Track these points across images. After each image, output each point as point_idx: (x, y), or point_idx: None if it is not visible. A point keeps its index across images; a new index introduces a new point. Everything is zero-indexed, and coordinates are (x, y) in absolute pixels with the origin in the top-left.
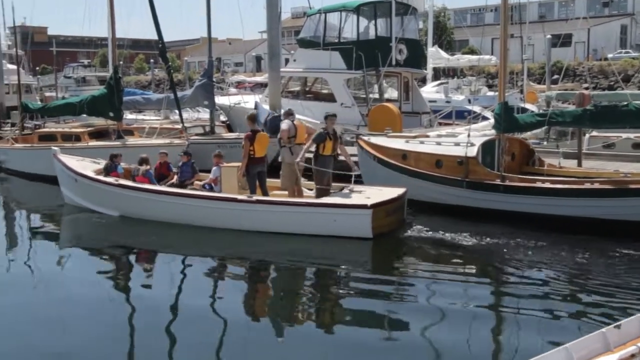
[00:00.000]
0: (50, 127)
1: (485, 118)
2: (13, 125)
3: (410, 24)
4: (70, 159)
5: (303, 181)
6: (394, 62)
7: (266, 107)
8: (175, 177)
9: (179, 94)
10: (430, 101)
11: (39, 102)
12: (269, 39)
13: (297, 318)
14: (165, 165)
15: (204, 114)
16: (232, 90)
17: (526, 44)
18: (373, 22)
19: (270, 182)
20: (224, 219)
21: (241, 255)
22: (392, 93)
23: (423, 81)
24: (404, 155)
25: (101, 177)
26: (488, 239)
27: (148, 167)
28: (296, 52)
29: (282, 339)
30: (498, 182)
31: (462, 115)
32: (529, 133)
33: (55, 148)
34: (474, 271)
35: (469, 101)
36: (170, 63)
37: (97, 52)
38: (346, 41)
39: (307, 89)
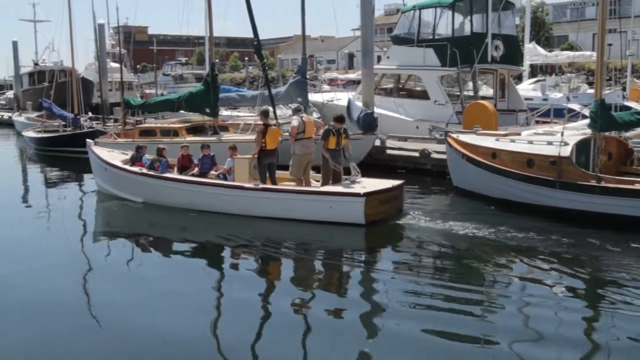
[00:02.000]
0: (150, 122)
1: (585, 117)
2: (116, 120)
3: (507, 20)
4: (102, 150)
5: (312, 173)
6: (489, 59)
7: (359, 104)
8: (197, 168)
9: (273, 91)
10: (526, 99)
11: (140, 99)
12: (362, 36)
13: (296, 300)
14: (187, 158)
15: None
16: (325, 87)
17: (630, 39)
18: (469, 18)
19: (282, 173)
20: (233, 205)
21: (246, 238)
22: (486, 90)
23: (519, 78)
24: (494, 153)
25: (127, 167)
26: (480, 229)
27: (163, 158)
28: (390, 49)
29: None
30: (593, 183)
31: (560, 114)
32: (632, 132)
33: (90, 140)
34: (459, 262)
35: (568, 99)
36: (265, 60)
37: (194, 50)
38: (441, 38)
39: (401, 86)
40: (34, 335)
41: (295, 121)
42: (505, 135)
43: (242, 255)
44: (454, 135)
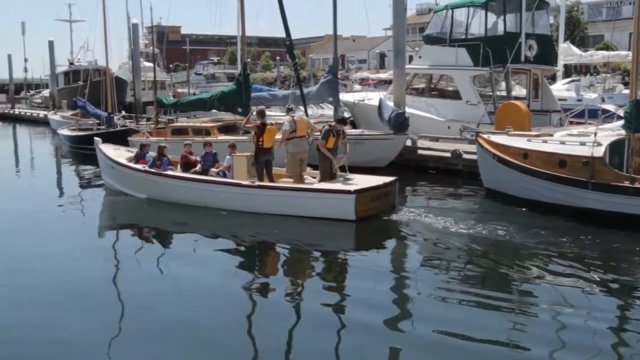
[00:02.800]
0: (182, 121)
1: (620, 117)
2: (148, 119)
3: (541, 19)
4: (109, 148)
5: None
6: (523, 59)
7: (390, 104)
8: (199, 165)
9: (304, 90)
10: (560, 99)
11: (172, 98)
12: (394, 35)
13: (291, 291)
14: (189, 156)
15: (328, 110)
16: (356, 87)
17: None
18: (502, 17)
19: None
20: (231, 201)
21: (243, 234)
22: (519, 91)
23: (553, 78)
24: (525, 154)
25: (131, 164)
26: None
27: (164, 156)
28: (421, 49)
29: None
30: (626, 184)
31: (594, 115)
32: None
33: (98, 139)
34: (484, 264)
35: (602, 99)
36: (297, 60)
37: (226, 49)
38: (473, 37)
39: (432, 86)
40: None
41: (286, 123)
42: (537, 135)
43: (238, 248)
44: (485, 136)
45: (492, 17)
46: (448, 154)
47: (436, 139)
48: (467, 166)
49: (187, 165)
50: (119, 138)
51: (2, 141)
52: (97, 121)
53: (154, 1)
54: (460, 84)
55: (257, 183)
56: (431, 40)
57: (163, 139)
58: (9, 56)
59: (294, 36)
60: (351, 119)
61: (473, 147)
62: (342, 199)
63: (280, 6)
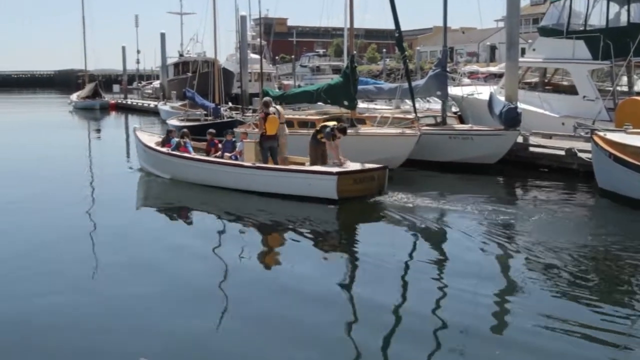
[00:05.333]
0: (288, 114)
1: None
2: (254, 111)
3: None
4: (143, 133)
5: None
6: None
7: (501, 98)
8: (219, 151)
9: (412, 83)
10: None
11: (278, 90)
12: (507, 27)
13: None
14: (213, 142)
15: (434, 105)
16: (465, 80)
17: None
18: (625, 7)
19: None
20: (235, 181)
21: (243, 211)
22: None
23: None
24: None
25: (157, 147)
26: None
27: (186, 139)
28: (536, 41)
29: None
30: None
31: None
32: None
33: (136, 125)
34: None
35: None
36: (406, 52)
37: (331, 42)
38: (593, 29)
39: (546, 80)
40: None
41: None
42: None
43: (241, 226)
44: (601, 134)
45: (614, 7)
46: (562, 152)
47: (549, 136)
48: (583, 165)
49: (209, 150)
50: (226, 129)
51: (115, 130)
52: (205, 112)
53: None
54: (577, 79)
55: (253, 164)
56: (547, 32)
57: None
58: (123, 48)
59: (402, 28)
60: (459, 113)
61: (589, 146)
62: (326, 179)
63: None
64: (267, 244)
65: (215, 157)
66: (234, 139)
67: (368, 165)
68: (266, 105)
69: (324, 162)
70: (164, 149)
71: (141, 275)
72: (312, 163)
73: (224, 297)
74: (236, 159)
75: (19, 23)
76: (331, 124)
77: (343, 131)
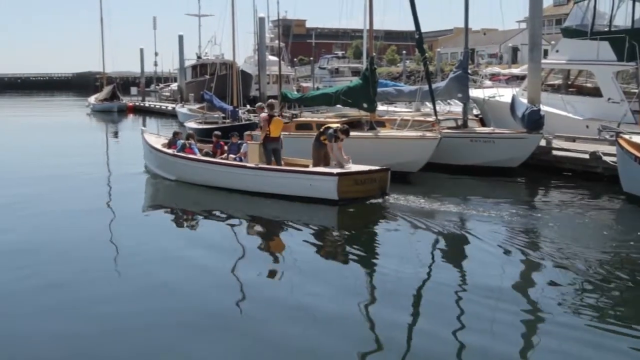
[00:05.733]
0: (306, 116)
1: None
2: None
3: None
4: (150, 135)
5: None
6: None
7: (524, 100)
8: (225, 153)
9: (432, 86)
10: None
11: (296, 92)
12: (530, 28)
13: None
14: (218, 144)
15: (455, 107)
16: (487, 82)
17: None
18: None
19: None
20: (238, 182)
21: (244, 211)
22: None
23: None
24: None
25: (162, 148)
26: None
27: (192, 141)
28: (559, 43)
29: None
30: None
31: None
32: None
33: (144, 128)
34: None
35: None
36: (426, 54)
37: (350, 43)
38: (618, 29)
39: (570, 82)
40: None
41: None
42: None
43: (238, 224)
44: (626, 136)
45: None
46: (586, 156)
47: (573, 139)
48: (608, 169)
49: (215, 152)
50: (244, 132)
51: (132, 133)
52: (223, 115)
53: None
54: (601, 80)
55: (256, 165)
56: (570, 33)
57: (287, 133)
58: (141, 50)
59: (422, 29)
60: (480, 116)
61: (614, 149)
62: (326, 180)
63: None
64: (271, 253)
65: (221, 159)
66: (239, 141)
67: (369, 167)
68: (270, 107)
69: (326, 164)
70: (170, 151)
71: (137, 291)
72: (315, 165)
73: (232, 316)
74: (241, 160)
75: (36, 25)
76: (334, 125)
77: (346, 133)
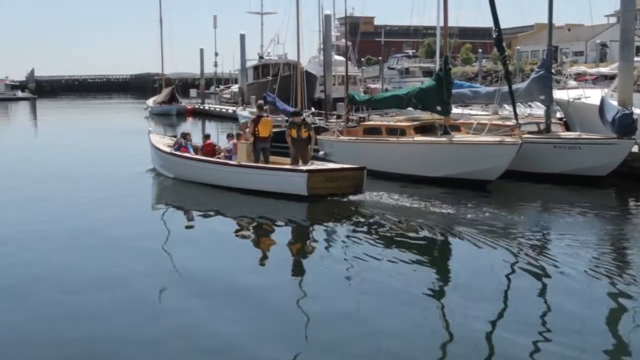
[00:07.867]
0: (375, 120)
1: None
2: (339, 117)
3: None
4: (156, 136)
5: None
6: None
7: (614, 103)
8: (221, 153)
9: (512, 87)
10: None
11: (364, 94)
12: (621, 22)
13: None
14: (210, 145)
15: (536, 110)
16: (571, 83)
17: None
18: None
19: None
20: (223, 179)
21: (228, 207)
22: None
23: None
24: None
25: (164, 148)
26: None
27: (188, 141)
28: None
29: None
30: None
31: None
32: None
33: (150, 128)
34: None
35: None
36: (506, 53)
37: (422, 41)
38: None
39: None
40: None
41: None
42: None
43: (223, 222)
44: None
45: None
46: None
47: None
48: None
49: (209, 153)
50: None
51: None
52: (286, 118)
53: None
54: None
55: (237, 163)
56: None
57: (354, 138)
58: (201, 50)
59: (501, 26)
60: (564, 119)
61: None
62: (296, 176)
63: None
64: (252, 250)
65: (218, 158)
66: (234, 142)
67: (342, 165)
68: (259, 108)
69: (304, 162)
70: (167, 149)
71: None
72: (292, 162)
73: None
74: (230, 158)
75: (97, 28)
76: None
77: (297, 115)
